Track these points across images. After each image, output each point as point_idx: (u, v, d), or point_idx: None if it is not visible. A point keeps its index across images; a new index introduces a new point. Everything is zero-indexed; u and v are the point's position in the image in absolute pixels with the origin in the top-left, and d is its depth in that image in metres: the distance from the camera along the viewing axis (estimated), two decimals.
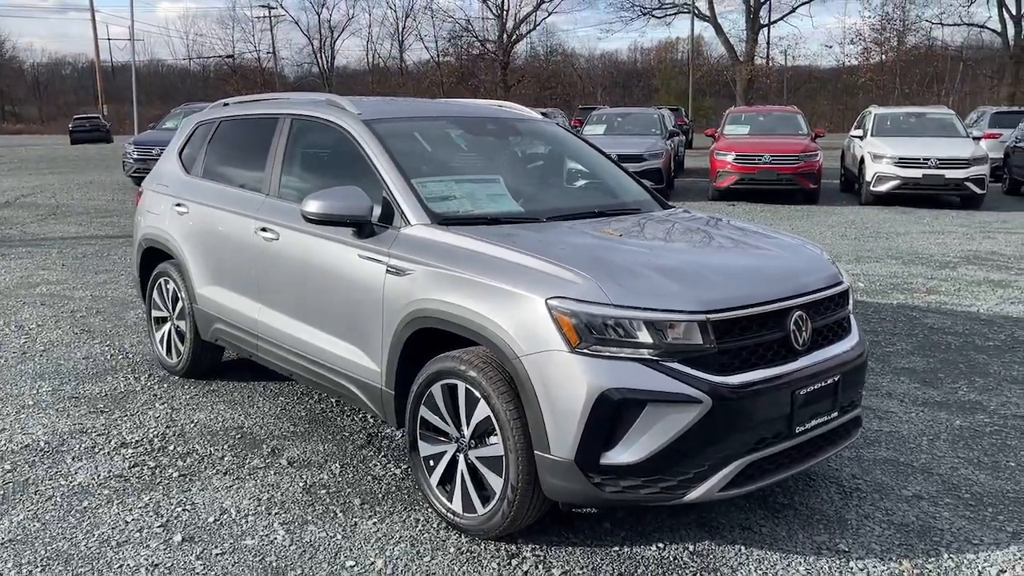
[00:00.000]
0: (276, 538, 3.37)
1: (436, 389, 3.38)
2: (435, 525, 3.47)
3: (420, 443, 3.51)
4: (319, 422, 4.61)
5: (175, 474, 3.96)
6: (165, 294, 5.30)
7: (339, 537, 3.38)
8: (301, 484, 3.86)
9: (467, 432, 3.29)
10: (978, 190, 13.96)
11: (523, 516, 3.18)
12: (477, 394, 3.19)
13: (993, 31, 45.79)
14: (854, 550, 3.26)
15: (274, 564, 3.17)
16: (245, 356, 4.85)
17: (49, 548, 3.27)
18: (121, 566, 3.15)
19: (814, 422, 3.25)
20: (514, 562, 3.18)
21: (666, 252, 3.60)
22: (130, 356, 5.86)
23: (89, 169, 25.66)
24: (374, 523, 3.49)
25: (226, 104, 5.40)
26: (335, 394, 4.16)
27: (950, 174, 13.82)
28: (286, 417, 4.68)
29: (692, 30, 41.34)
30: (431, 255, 3.44)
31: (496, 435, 3.16)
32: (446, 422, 3.38)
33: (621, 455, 2.91)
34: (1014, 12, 44.06)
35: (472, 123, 4.73)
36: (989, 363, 5.68)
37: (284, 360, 4.29)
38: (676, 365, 2.91)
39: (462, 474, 3.34)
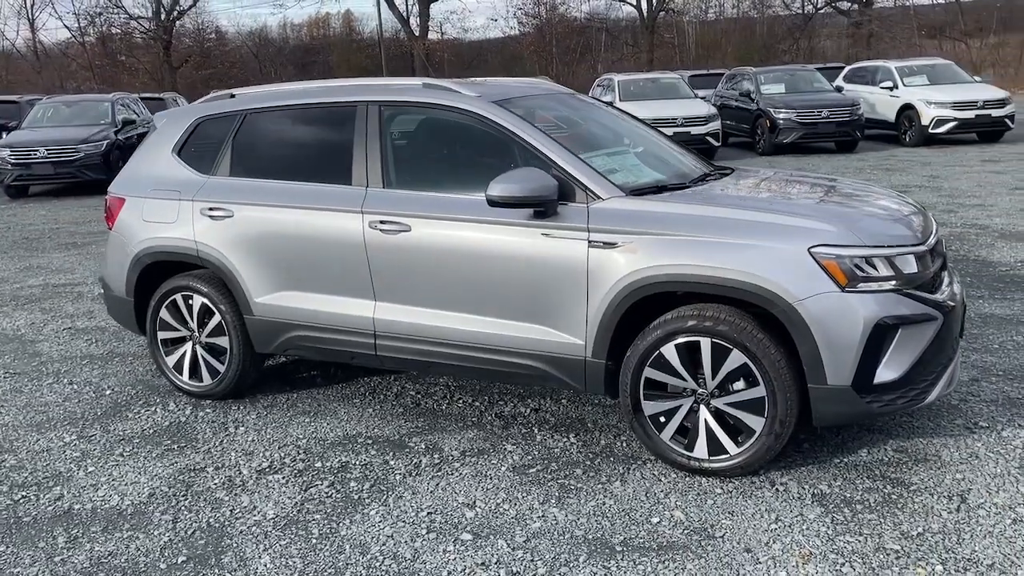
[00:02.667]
0: (558, 516, 3.44)
1: (668, 349, 3.63)
2: (674, 476, 3.72)
3: (644, 403, 3.73)
4: (432, 414, 4.56)
5: (367, 486, 3.79)
6: (186, 311, 4.78)
7: (611, 501, 3.53)
8: (507, 467, 3.89)
9: (712, 383, 3.59)
10: (715, 143, 16.11)
11: (780, 447, 3.57)
12: (727, 345, 3.50)
13: (628, 3, 51.43)
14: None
15: (606, 530, 3.27)
16: (337, 360, 4.61)
17: None
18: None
19: (962, 331, 3.99)
20: (779, 489, 3.58)
21: (838, 201, 4.07)
22: (115, 389, 5.16)
23: None
24: (618, 484, 3.67)
25: (232, 96, 4.94)
26: (501, 377, 4.17)
27: (695, 130, 15.76)
28: (388, 416, 4.56)
29: (379, 6, 41.45)
30: (647, 224, 3.65)
31: (751, 380, 3.49)
32: (681, 378, 3.64)
33: (886, 374, 3.42)
34: None
35: (563, 98, 4.85)
36: None
37: (424, 354, 4.19)
38: (914, 291, 3.47)
39: (706, 422, 3.64)
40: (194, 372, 4.88)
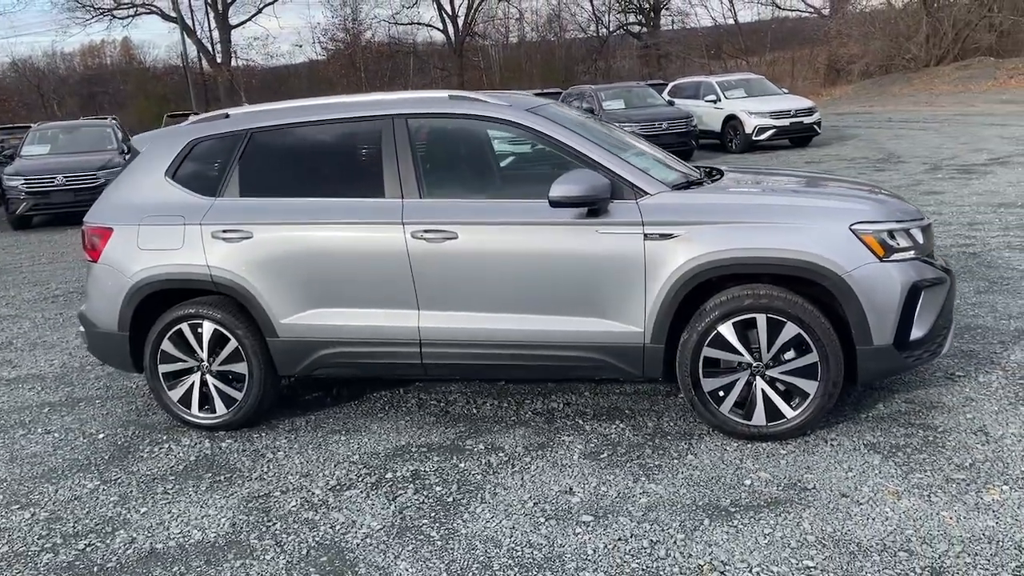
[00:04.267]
0: (657, 490, 3.68)
1: (726, 327, 3.98)
2: (735, 444, 4.06)
3: (704, 381, 4.06)
4: (467, 419, 4.64)
5: (454, 488, 3.86)
6: (194, 340, 4.60)
7: (696, 472, 3.81)
8: (577, 455, 4.07)
9: (767, 355, 3.97)
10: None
11: (831, 406, 4.00)
12: (781, 319, 3.90)
13: (438, 28, 52.43)
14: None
15: (710, 496, 3.54)
16: (374, 374, 4.60)
17: None
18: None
19: None
20: (833, 444, 4.01)
21: (849, 186, 4.61)
22: (107, 433, 4.85)
23: None
24: (692, 457, 3.97)
25: (227, 116, 4.80)
26: (555, 371, 4.36)
27: None
28: (425, 425, 4.60)
29: (183, 35, 39.65)
30: (699, 214, 3.99)
31: (804, 348, 3.91)
32: (738, 353, 4.00)
33: (917, 332, 3.94)
34: (450, 12, 51.14)
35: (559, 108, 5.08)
36: None
37: (474, 357, 4.30)
38: (927, 258, 4.02)
39: (763, 392, 4.01)
40: (204, 404, 4.69)
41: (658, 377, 4.18)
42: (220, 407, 4.66)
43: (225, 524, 3.68)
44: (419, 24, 52.65)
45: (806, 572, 3.01)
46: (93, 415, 5.13)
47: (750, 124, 18.11)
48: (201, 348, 4.62)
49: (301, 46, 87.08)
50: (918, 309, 3.93)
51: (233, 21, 50.40)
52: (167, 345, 4.65)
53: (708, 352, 4.02)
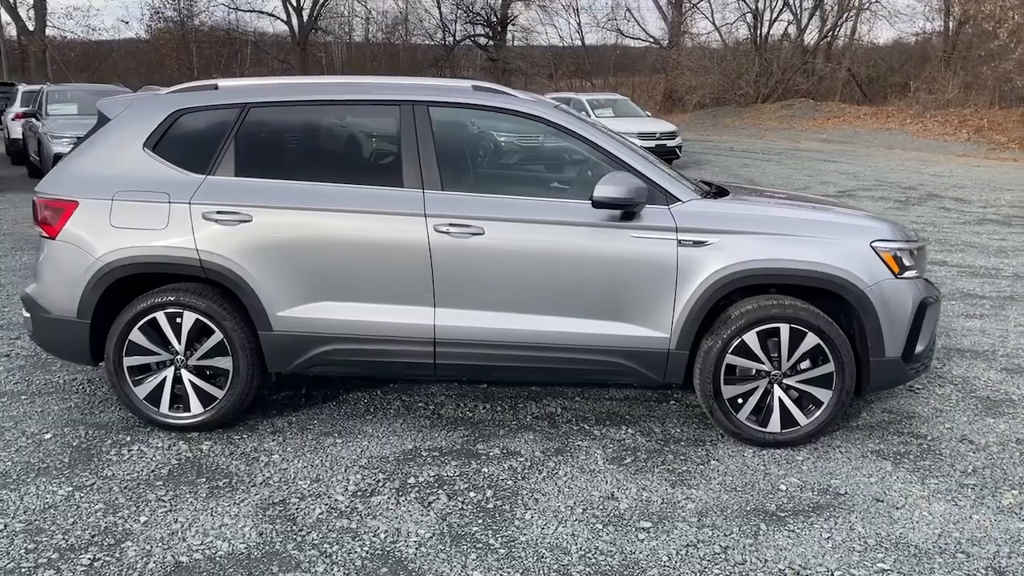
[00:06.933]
0: (701, 496, 3.70)
1: (750, 336, 4.07)
2: (750, 451, 4.16)
3: (724, 388, 4.13)
4: (465, 422, 4.47)
5: (489, 494, 3.70)
6: (171, 331, 4.17)
7: (728, 477, 3.86)
8: (602, 460, 4.02)
9: (786, 364, 4.10)
10: None
11: (841, 414, 4.18)
12: (803, 329, 4.04)
13: (281, 19, 50.74)
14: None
15: (753, 501, 3.60)
16: (376, 373, 4.34)
17: None
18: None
19: None
20: (842, 451, 4.19)
21: (851, 208, 4.83)
22: (55, 434, 4.28)
23: None
24: (715, 463, 4.02)
25: (216, 88, 4.39)
26: (572, 375, 4.29)
27: None
28: (422, 428, 4.39)
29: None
30: (731, 223, 4.06)
31: (821, 358, 4.06)
32: (759, 361, 4.10)
33: (919, 345, 4.19)
34: (295, 3, 49.70)
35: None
36: None
37: (490, 358, 4.15)
38: (924, 278, 4.30)
39: (779, 399, 4.13)
40: (175, 402, 4.25)
41: (678, 383, 4.20)
42: (196, 406, 4.23)
43: (251, 533, 3.34)
44: (261, 12, 50.63)
45: (883, 574, 3.10)
46: (25, 413, 4.51)
47: None
48: (179, 340, 4.18)
49: (128, 22, 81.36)
50: (922, 324, 4.17)
51: None
52: (137, 336, 4.17)
53: (730, 360, 4.09)
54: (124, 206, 4.13)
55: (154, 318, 4.16)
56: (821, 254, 4.02)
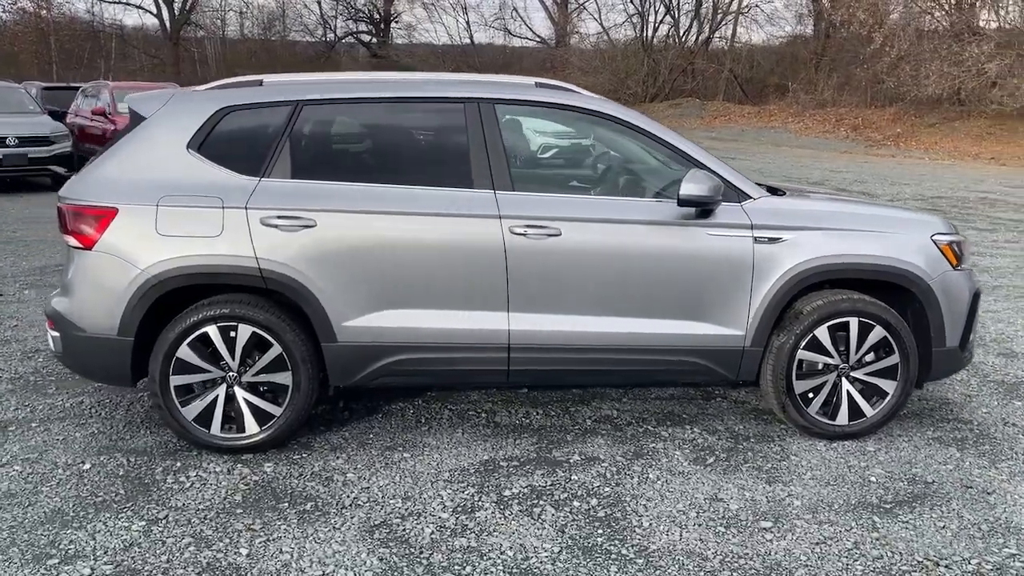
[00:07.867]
0: (803, 493, 3.72)
1: (821, 331, 4.12)
2: (821, 444, 4.21)
3: (796, 383, 4.17)
4: (525, 429, 4.34)
5: (594, 503, 3.60)
6: (224, 346, 3.86)
7: (816, 471, 3.90)
8: (686, 460, 3.99)
9: (855, 357, 4.18)
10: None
11: (905, 404, 4.29)
12: (871, 322, 4.13)
13: (151, 12, 48.38)
14: None
15: (852, 494, 3.64)
16: (443, 382, 4.15)
17: None
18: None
19: None
20: (906, 440, 4.30)
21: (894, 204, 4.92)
22: (95, 464, 3.88)
23: None
24: (795, 458, 4.06)
25: (261, 83, 4.09)
26: (648, 376, 4.26)
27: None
28: (486, 438, 4.24)
29: None
30: (802, 220, 4.10)
31: (887, 350, 4.16)
32: (830, 355, 4.16)
33: (970, 335, 4.36)
34: None
35: None
36: None
37: (565, 362, 4.04)
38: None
39: (848, 393, 4.21)
40: (228, 421, 3.94)
41: (750, 381, 4.20)
42: (252, 425, 3.94)
43: (370, 560, 3.12)
44: (128, 4, 48.05)
45: (1013, 558, 3.19)
46: (45, 442, 4.08)
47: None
48: (232, 356, 3.87)
49: None
50: (974, 315, 4.34)
51: None
52: (186, 352, 3.84)
53: (802, 355, 4.13)
54: (171, 212, 3.79)
55: (205, 333, 3.83)
56: (889, 248, 4.11)
